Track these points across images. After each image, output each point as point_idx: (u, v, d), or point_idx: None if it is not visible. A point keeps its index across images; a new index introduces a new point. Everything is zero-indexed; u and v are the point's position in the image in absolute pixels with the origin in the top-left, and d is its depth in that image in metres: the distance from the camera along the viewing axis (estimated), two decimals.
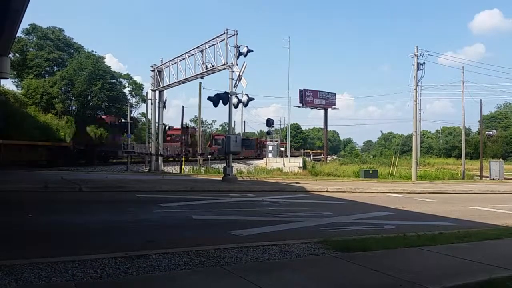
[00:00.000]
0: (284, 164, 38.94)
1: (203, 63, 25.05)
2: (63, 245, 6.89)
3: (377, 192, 20.87)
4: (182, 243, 7.04)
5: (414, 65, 34.45)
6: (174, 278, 4.95)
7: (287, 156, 48.82)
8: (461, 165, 41.93)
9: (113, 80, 58.04)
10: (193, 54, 26.06)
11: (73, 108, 56.14)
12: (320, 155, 70.17)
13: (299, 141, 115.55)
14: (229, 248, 6.79)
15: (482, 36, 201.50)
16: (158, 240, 7.50)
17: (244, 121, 72.39)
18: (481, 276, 5.31)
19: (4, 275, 4.85)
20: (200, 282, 4.74)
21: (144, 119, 59.71)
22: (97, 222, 9.36)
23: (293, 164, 39.04)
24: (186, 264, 5.79)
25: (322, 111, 58.61)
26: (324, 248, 7.09)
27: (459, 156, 54.32)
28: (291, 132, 68.11)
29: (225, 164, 23.03)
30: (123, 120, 44.96)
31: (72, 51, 59.93)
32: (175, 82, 28.86)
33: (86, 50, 59.89)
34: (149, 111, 33.17)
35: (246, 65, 21.77)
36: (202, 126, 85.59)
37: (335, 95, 58.88)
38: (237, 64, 21.88)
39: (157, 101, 31.00)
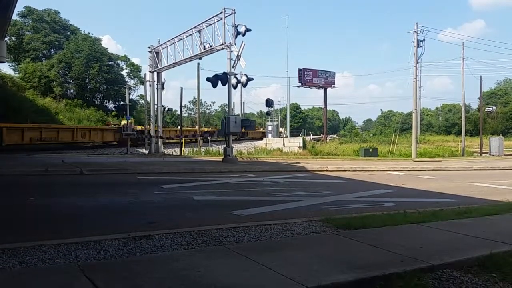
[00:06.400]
0: (284, 144, 38.97)
1: (201, 43, 24.79)
2: (65, 228, 6.92)
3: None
4: (184, 224, 7.07)
5: (414, 42, 34.16)
6: (177, 257, 4.97)
7: (286, 136, 48.82)
8: (461, 142, 41.95)
9: (110, 62, 57.66)
10: (190, 34, 25.76)
11: (71, 91, 55.89)
12: (320, 135, 70.03)
13: (299, 121, 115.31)
14: (231, 227, 6.83)
15: (482, 12, 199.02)
16: (160, 221, 7.53)
17: (244, 102, 72.16)
18: (482, 251, 5.34)
19: (8, 258, 4.88)
20: (203, 261, 4.77)
21: (142, 101, 59.49)
22: (99, 204, 9.40)
23: (293, 144, 39.06)
24: (188, 244, 5.83)
25: (322, 91, 58.18)
26: (325, 226, 7.13)
27: (459, 133, 54.30)
28: (290, 112, 67.91)
29: (225, 145, 23.04)
30: (121, 103, 44.78)
31: (68, 33, 59.35)
32: (173, 63, 28.62)
33: (82, 32, 59.31)
34: (148, 93, 33.04)
35: (244, 44, 21.57)
36: (201, 108, 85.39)
37: (334, 74, 58.32)
38: (235, 44, 21.66)
39: (155, 82, 30.81)
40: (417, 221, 7.49)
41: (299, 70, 55.50)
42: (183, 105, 41.35)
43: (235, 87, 22.51)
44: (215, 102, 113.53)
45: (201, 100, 70.50)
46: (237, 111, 61.45)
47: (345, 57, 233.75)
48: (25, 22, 55.68)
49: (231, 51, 21.73)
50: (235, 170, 18.19)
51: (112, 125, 41.09)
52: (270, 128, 54.70)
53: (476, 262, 5.09)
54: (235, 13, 21.72)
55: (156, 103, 31.28)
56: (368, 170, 20.75)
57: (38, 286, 3.98)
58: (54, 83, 52.07)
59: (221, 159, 22.57)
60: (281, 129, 62.21)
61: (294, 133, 69.91)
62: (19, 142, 27.41)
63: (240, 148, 38.06)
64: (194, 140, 41.71)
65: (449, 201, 11.08)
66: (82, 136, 33.61)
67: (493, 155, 39.10)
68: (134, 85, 63.88)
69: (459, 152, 39.99)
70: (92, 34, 59.28)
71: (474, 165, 25.81)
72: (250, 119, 37.25)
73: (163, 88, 31.32)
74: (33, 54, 54.40)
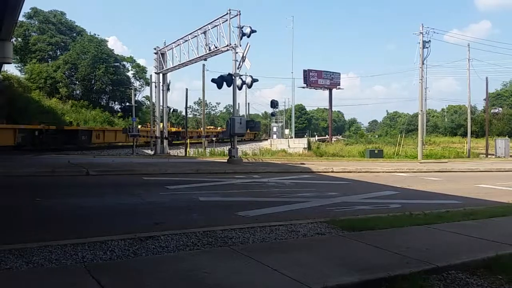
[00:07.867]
0: (289, 145, 38.93)
1: (206, 45, 24.82)
2: (71, 228, 6.96)
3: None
4: (189, 225, 7.10)
5: (419, 43, 34.02)
6: (183, 258, 5.00)
7: (291, 137, 48.79)
8: (466, 143, 41.70)
9: (116, 64, 57.88)
10: (196, 36, 25.81)
11: (77, 92, 56.16)
12: (325, 136, 69.95)
13: (304, 122, 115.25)
14: (236, 229, 6.84)
15: (488, 13, 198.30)
16: (165, 222, 7.56)
17: (249, 103, 72.39)
18: (488, 253, 5.33)
19: (15, 258, 4.92)
20: (208, 262, 4.79)
21: (148, 102, 59.66)
22: (105, 205, 9.44)
23: (297, 145, 39.02)
24: (194, 244, 5.85)
25: (327, 92, 58.15)
26: (330, 228, 7.12)
27: (464, 135, 53.99)
28: (295, 113, 67.94)
29: (229, 146, 23.06)
30: (127, 104, 44.91)
31: (74, 34, 59.64)
32: (179, 64, 28.69)
33: (88, 34, 59.58)
34: (153, 94, 33.18)
35: (249, 46, 21.57)
36: (206, 109, 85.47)
37: (339, 75, 58.39)
38: (240, 45, 21.67)
39: (161, 84, 30.90)
40: (423, 223, 7.47)
41: (304, 71, 55.51)
42: (188, 106, 41.50)
43: (240, 88, 22.55)
44: (220, 103, 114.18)
45: (206, 101, 70.68)
46: (242, 112, 61.61)
47: (350, 58, 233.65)
48: (31, 23, 56.02)
49: (236, 53, 21.76)
50: (240, 171, 18.20)
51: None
52: (275, 129, 54.72)
53: (482, 264, 5.07)
54: (240, 14, 21.74)
55: (161, 104, 31.35)
56: (374, 172, 20.69)
57: (45, 286, 4.02)
58: (60, 84, 52.34)
59: (226, 160, 22.58)
60: (286, 130, 62.22)
61: (299, 134, 69.94)
62: None
63: (245, 149, 38.04)
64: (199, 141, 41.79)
65: (455, 203, 11.02)
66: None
67: (499, 157, 38.86)
68: (139, 86, 64.15)
69: (465, 153, 39.79)
70: (98, 35, 59.64)
71: (480, 166, 25.67)
72: (255, 120, 37.31)
73: (168, 89, 31.40)
74: (39, 55, 54.71)
